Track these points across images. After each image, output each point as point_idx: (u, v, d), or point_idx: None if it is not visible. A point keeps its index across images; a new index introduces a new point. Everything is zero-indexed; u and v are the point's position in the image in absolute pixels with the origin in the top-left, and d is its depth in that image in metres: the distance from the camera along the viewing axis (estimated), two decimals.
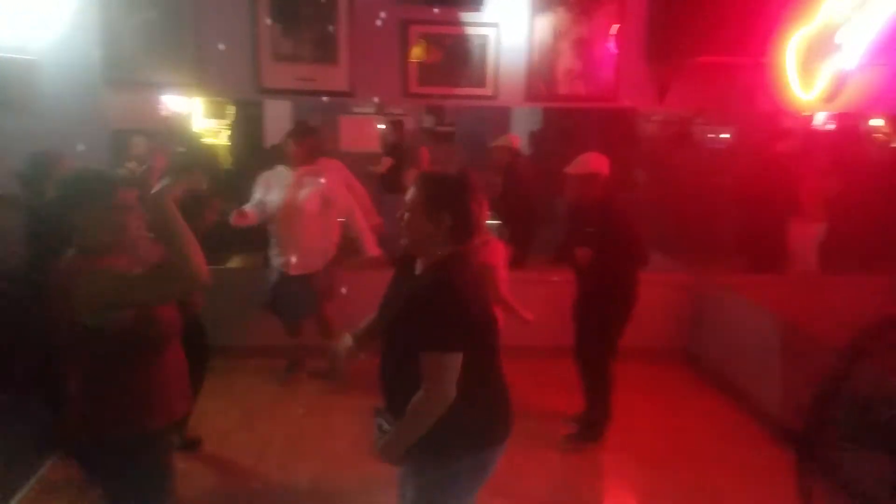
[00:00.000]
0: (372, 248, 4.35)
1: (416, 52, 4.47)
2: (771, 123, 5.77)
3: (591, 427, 3.88)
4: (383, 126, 7.14)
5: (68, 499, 3.14)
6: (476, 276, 2.08)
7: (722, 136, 7.39)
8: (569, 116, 7.43)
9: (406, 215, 2.02)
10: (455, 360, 1.88)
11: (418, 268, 2.07)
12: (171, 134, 7.19)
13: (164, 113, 7.34)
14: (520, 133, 8.93)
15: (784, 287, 4.87)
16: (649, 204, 6.68)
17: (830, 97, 4.24)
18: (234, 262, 6.41)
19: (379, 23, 4.38)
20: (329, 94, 4.56)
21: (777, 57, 4.35)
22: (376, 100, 4.86)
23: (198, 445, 3.74)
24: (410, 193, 2.02)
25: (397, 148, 6.75)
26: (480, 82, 4.58)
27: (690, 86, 4.59)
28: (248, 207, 4.15)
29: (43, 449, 3.42)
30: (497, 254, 3.16)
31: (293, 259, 4.20)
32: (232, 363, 4.62)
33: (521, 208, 5.78)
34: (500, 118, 9.08)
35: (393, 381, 2.05)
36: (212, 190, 4.31)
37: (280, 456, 3.71)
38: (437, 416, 1.89)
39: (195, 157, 5.72)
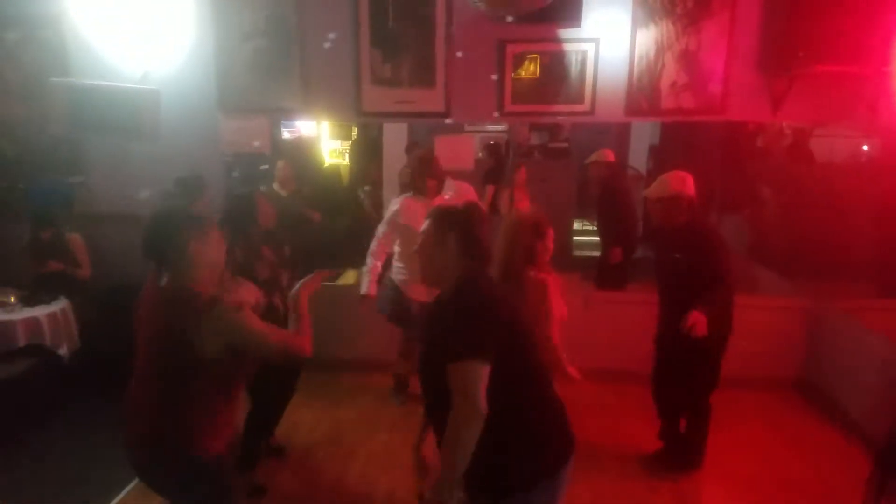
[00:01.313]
0: None
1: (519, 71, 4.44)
2: None
3: (688, 462, 3.68)
4: (483, 149, 7.18)
5: None
6: (498, 290, 2.10)
7: (858, 147, 6.74)
8: (691, 130, 7.07)
9: (417, 246, 2.12)
10: (479, 368, 1.84)
11: (441, 292, 2.11)
12: (296, 156, 7.71)
13: (285, 136, 7.90)
14: (639, 148, 8.67)
15: None
16: (774, 222, 6.23)
17: None
18: (343, 279, 6.72)
19: (475, 44, 4.41)
20: (426, 115, 4.64)
21: None
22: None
23: (282, 453, 3.93)
24: (424, 226, 2.13)
25: (495, 171, 6.75)
26: (577, 98, 4.48)
27: (807, 97, 4.24)
28: (379, 231, 4.29)
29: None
30: (550, 288, 2.93)
31: (411, 284, 4.22)
32: (325, 376, 4.81)
33: (619, 226, 5.58)
34: (618, 133, 8.84)
35: (434, 413, 2.04)
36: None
37: (363, 468, 3.81)
38: (472, 435, 1.82)
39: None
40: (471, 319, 1.90)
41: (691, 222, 3.44)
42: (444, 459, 1.88)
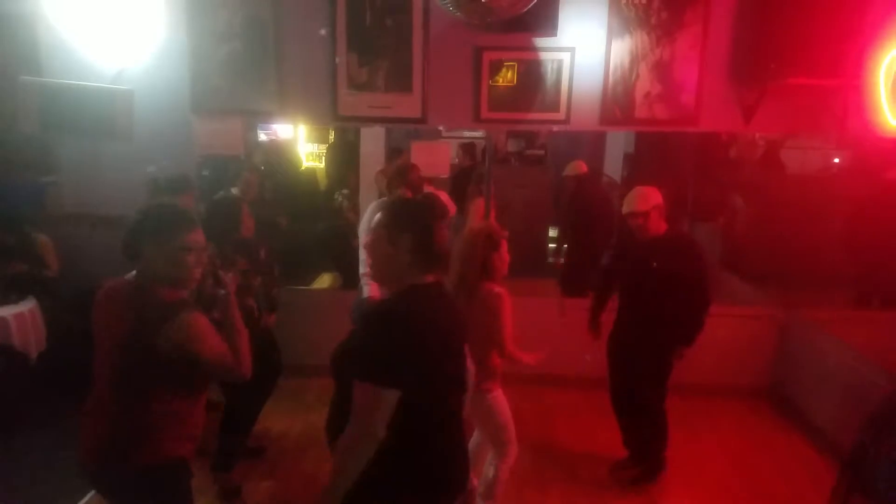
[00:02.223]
0: None
1: (497, 78, 4.47)
2: (879, 148, 5.29)
3: (648, 469, 3.71)
4: (459, 149, 7.20)
5: None
6: (442, 311, 1.90)
7: (830, 159, 6.90)
8: (665, 139, 7.16)
9: (368, 239, 1.96)
10: (386, 397, 1.73)
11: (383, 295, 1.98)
12: (270, 158, 7.65)
13: (262, 138, 7.84)
14: (614, 156, 8.74)
15: (884, 325, 4.45)
16: (745, 231, 6.33)
17: None
18: (317, 283, 6.70)
19: (451, 51, 4.43)
20: (402, 121, 4.65)
21: (869, 78, 3.98)
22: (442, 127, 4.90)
23: (261, 454, 3.93)
24: (376, 219, 1.95)
25: (465, 172, 6.78)
26: (553, 107, 4.51)
27: (778, 108, 4.33)
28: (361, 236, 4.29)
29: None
30: (504, 301, 2.91)
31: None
32: (303, 381, 4.78)
33: (585, 235, 5.66)
34: (593, 141, 8.90)
35: (335, 415, 2.01)
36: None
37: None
38: (359, 454, 1.76)
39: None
40: (386, 342, 1.75)
41: (670, 231, 3.50)
42: (333, 468, 1.83)
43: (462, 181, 6.57)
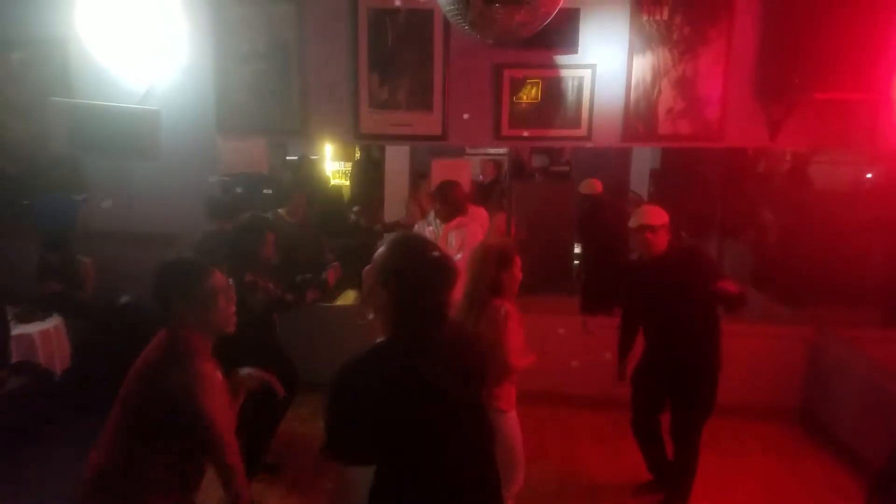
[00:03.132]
0: None
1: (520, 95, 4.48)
2: None
3: (674, 496, 3.61)
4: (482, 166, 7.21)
5: None
6: (418, 371, 1.66)
7: (861, 174, 6.73)
8: (691, 155, 7.06)
9: (369, 274, 1.76)
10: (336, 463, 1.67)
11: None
12: (300, 176, 7.75)
13: (287, 158, 7.94)
14: (640, 172, 8.65)
15: None
16: (775, 248, 6.20)
17: None
18: (342, 299, 6.72)
19: (472, 69, 4.45)
20: (423, 138, 4.67)
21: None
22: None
23: (276, 471, 3.92)
24: (378, 252, 1.78)
25: (491, 187, 6.79)
26: (575, 123, 4.50)
27: (805, 124, 4.25)
28: None
29: None
30: (511, 318, 2.85)
31: None
32: (319, 396, 4.77)
33: (600, 254, 5.60)
34: (618, 157, 8.82)
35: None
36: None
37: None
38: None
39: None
40: (344, 413, 1.61)
41: (675, 246, 3.45)
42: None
43: (488, 196, 6.59)
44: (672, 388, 3.51)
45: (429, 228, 4.37)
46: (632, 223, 3.47)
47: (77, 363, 4.41)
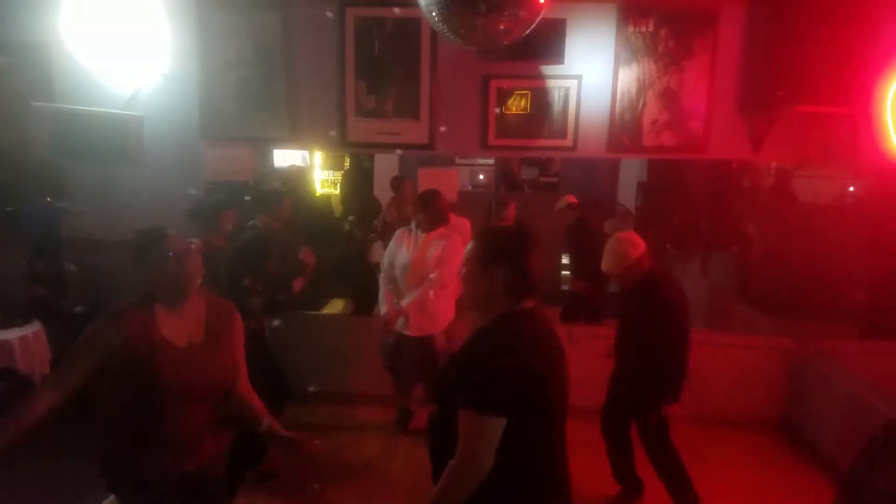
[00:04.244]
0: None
1: (509, 105, 4.50)
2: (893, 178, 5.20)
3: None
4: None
5: None
6: (543, 337, 1.90)
7: (845, 188, 6.81)
8: (678, 167, 7.12)
9: (463, 271, 1.96)
10: (493, 425, 1.72)
11: (479, 323, 1.93)
12: (286, 185, 7.73)
13: (278, 165, 7.92)
14: (628, 184, 8.71)
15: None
16: (759, 260, 6.24)
17: None
18: (329, 308, 6.70)
19: (459, 79, 4.46)
20: (410, 147, 4.67)
21: (878, 107, 3.93)
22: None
23: (275, 477, 3.91)
24: (467, 249, 1.98)
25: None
26: (561, 134, 4.51)
27: (787, 137, 4.29)
28: (382, 267, 4.38)
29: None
30: None
31: (414, 320, 4.19)
32: (312, 407, 4.76)
33: (586, 269, 5.63)
34: (607, 169, 8.89)
35: (438, 443, 1.91)
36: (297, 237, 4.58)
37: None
38: (468, 486, 1.73)
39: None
40: (493, 368, 1.74)
41: (648, 277, 3.40)
42: (434, 497, 1.79)
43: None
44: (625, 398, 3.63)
45: (403, 245, 4.33)
46: (602, 264, 3.53)
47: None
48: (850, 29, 3.80)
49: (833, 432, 4.24)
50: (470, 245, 1.97)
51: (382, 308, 4.30)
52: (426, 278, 4.13)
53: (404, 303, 4.16)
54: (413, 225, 4.33)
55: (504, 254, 1.88)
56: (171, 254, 2.13)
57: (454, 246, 4.17)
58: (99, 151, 4.33)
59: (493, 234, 1.98)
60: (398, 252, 4.29)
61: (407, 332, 4.19)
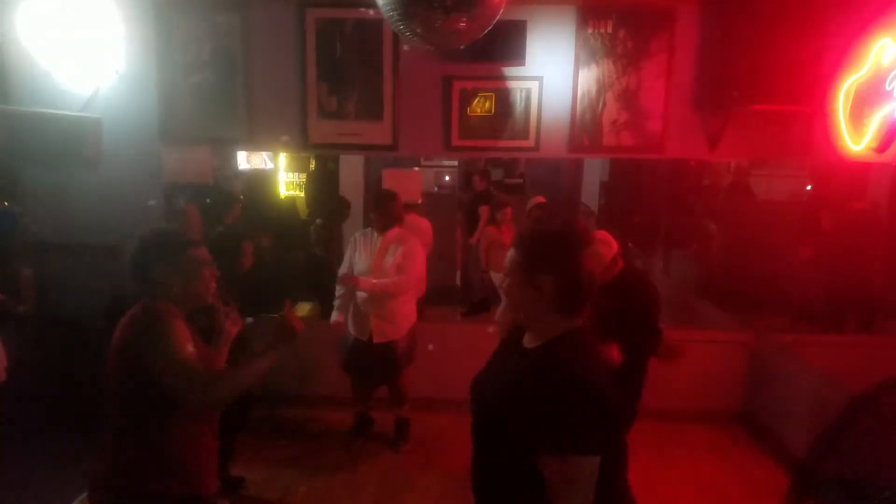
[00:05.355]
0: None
1: (474, 107, 4.52)
2: (845, 177, 5.40)
3: None
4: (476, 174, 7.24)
5: None
6: (598, 355, 1.75)
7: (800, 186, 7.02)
8: (638, 167, 7.25)
9: (506, 281, 1.73)
10: (595, 465, 1.53)
11: (528, 342, 1.74)
12: (249, 188, 7.66)
13: (243, 167, 7.85)
14: (591, 184, 8.83)
15: (856, 348, 4.49)
16: (718, 257, 6.38)
17: (882, 147, 3.88)
18: (299, 311, 6.64)
19: (422, 80, 4.48)
20: (373, 148, 4.68)
21: (831, 105, 4.05)
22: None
23: (241, 484, 3.86)
24: (509, 255, 1.74)
25: (480, 195, 6.86)
26: (523, 134, 4.56)
27: (743, 135, 4.39)
28: (340, 271, 4.32)
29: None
30: None
31: (376, 326, 4.18)
32: (271, 410, 4.74)
33: None
34: (571, 170, 9.01)
35: (488, 486, 1.73)
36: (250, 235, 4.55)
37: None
38: None
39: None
40: (585, 407, 1.53)
41: (623, 271, 3.42)
42: None
43: (479, 203, 6.73)
44: None
45: (359, 248, 4.31)
46: None
47: (12, 379, 4.25)
48: (804, 29, 3.90)
49: (791, 423, 4.35)
50: (511, 252, 1.73)
51: (334, 315, 4.34)
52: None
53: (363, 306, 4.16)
54: (370, 229, 4.32)
55: (550, 265, 1.64)
56: (198, 262, 2.12)
57: (414, 250, 4.18)
58: (55, 154, 4.23)
59: (535, 235, 1.72)
60: (356, 257, 4.28)
61: (363, 338, 4.20)
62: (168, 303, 2.07)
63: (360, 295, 4.17)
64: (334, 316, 4.34)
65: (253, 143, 4.62)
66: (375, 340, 4.16)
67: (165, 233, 2.19)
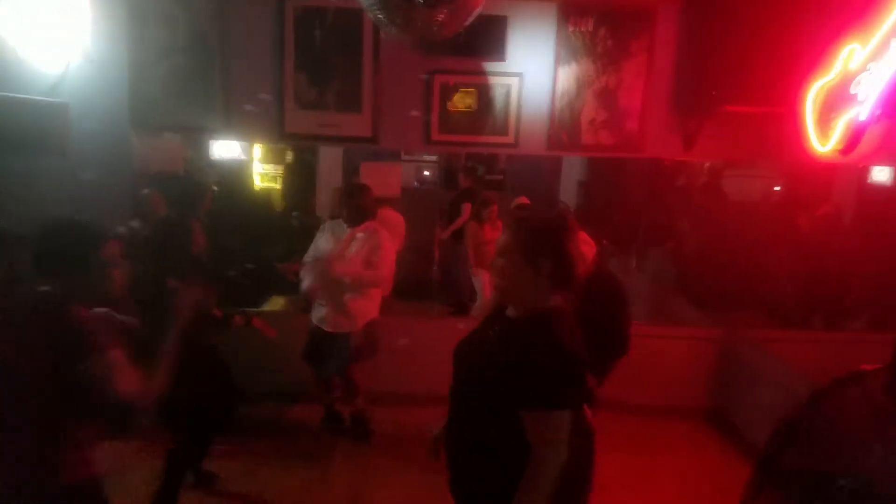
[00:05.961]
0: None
1: (455, 102, 4.50)
2: (812, 180, 5.51)
3: None
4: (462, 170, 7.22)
5: None
6: (576, 327, 1.91)
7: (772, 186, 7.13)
8: (615, 166, 7.28)
9: (500, 262, 1.90)
10: (568, 419, 1.77)
11: (511, 313, 1.94)
12: (223, 178, 7.54)
13: (216, 157, 7.73)
14: (570, 183, 8.85)
15: (825, 344, 4.57)
16: (692, 255, 6.46)
17: (847, 149, 3.95)
18: (269, 305, 6.55)
19: (402, 73, 4.43)
20: (352, 140, 4.62)
21: (801, 107, 4.12)
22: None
23: (214, 480, 3.80)
24: (503, 239, 1.92)
25: (467, 192, 6.85)
26: (502, 130, 4.54)
27: (718, 136, 4.45)
28: (306, 258, 4.25)
29: None
30: None
31: (331, 316, 4.15)
32: (249, 406, 4.65)
33: None
34: (550, 167, 9.00)
35: (466, 444, 1.90)
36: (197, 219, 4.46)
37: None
38: (556, 480, 1.75)
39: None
40: (564, 367, 1.76)
41: (595, 273, 3.44)
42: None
43: (463, 200, 6.77)
44: None
45: (326, 236, 4.26)
46: None
47: None
48: (780, 33, 3.94)
49: (760, 419, 4.39)
50: (506, 236, 1.93)
51: (306, 284, 4.24)
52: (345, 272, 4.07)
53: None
54: (340, 219, 4.27)
55: (548, 248, 1.85)
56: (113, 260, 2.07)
57: (384, 245, 4.14)
58: (19, 140, 4.08)
59: (533, 223, 1.92)
60: (321, 244, 4.23)
61: (322, 327, 4.17)
62: (74, 300, 1.98)
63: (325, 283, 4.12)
64: (305, 285, 4.22)
65: (227, 132, 4.52)
66: (329, 330, 4.14)
67: (81, 224, 2.09)
